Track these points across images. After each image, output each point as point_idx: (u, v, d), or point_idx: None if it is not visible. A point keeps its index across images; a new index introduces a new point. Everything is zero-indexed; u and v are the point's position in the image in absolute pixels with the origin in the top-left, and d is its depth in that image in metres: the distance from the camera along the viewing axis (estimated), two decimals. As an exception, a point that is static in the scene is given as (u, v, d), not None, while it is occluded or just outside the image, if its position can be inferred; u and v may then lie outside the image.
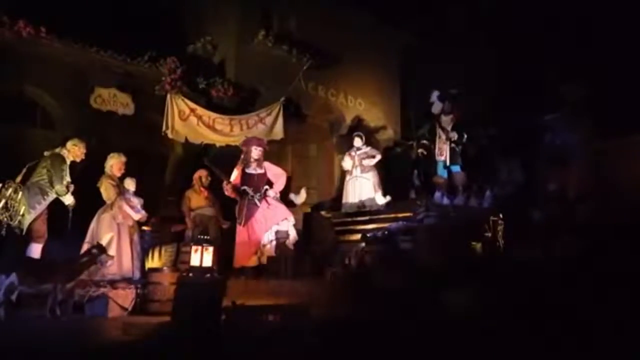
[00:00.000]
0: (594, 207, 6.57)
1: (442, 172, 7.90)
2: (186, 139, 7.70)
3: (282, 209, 6.70)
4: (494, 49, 10.39)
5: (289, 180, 7.87)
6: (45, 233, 5.80)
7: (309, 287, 5.34)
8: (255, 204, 6.60)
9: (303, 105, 9.14)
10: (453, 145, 7.85)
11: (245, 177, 6.79)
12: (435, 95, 8.13)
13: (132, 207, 6.12)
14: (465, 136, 7.79)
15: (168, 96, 7.58)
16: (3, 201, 5.51)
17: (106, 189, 6.11)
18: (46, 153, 5.93)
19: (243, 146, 7.03)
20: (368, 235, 6.13)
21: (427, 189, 7.66)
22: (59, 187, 5.77)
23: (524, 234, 6.17)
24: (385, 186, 8.18)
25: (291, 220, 6.69)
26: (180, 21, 8.97)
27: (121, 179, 6.26)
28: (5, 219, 5.50)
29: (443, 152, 7.95)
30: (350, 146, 8.44)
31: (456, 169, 7.84)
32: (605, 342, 3.00)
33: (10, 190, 5.59)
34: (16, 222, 5.56)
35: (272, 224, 6.51)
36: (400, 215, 6.83)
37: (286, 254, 6.31)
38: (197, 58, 8.64)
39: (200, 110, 7.83)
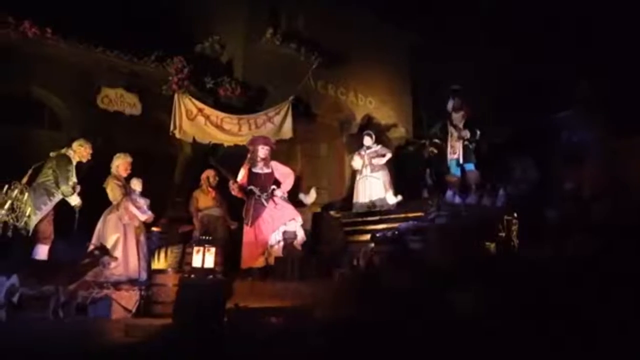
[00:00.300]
0: (609, 206, 6.35)
1: (455, 171, 7.72)
2: (194, 139, 7.64)
3: (289, 209, 6.58)
4: (505, 46, 10.18)
5: (298, 180, 7.77)
6: (52, 234, 5.78)
7: (316, 288, 5.21)
8: (262, 204, 6.50)
9: (312, 104, 9.04)
10: (466, 142, 7.66)
11: (252, 177, 6.69)
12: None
13: (138, 208, 6.05)
14: (479, 132, 7.60)
15: (175, 96, 7.53)
16: (9, 202, 5.48)
17: (112, 190, 6.05)
18: (52, 154, 5.91)
19: (249, 145, 6.94)
20: (377, 235, 5.99)
21: (439, 188, 7.50)
22: (65, 188, 5.74)
23: (539, 233, 5.98)
24: (397, 185, 8.06)
25: (299, 220, 6.57)
26: (187, 21, 8.92)
27: (128, 179, 6.21)
28: (11, 220, 5.47)
29: (456, 150, 7.76)
30: (360, 145, 8.31)
31: (470, 167, 7.65)
32: (620, 345, 2.85)
33: (16, 191, 5.56)
34: (22, 223, 5.53)
35: (279, 224, 6.40)
36: (411, 215, 6.69)
37: (294, 255, 6.20)
38: (204, 57, 8.58)
39: (208, 110, 7.76)
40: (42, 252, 5.68)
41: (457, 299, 3.86)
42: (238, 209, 6.92)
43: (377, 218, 7.20)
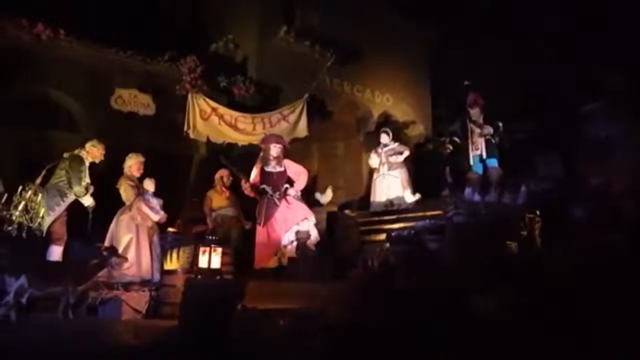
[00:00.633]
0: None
1: (477, 168, 7.50)
2: (208, 139, 7.59)
3: (302, 208, 6.43)
4: (526, 41, 9.88)
5: (314, 179, 7.63)
6: (65, 235, 5.78)
7: (329, 289, 5.06)
8: (275, 203, 6.37)
9: (328, 102, 8.90)
10: (489, 137, 7.44)
11: (265, 176, 6.56)
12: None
13: (151, 208, 6.01)
14: (500, 125, 7.36)
15: (189, 96, 7.48)
16: (23, 203, 5.53)
17: (125, 190, 6.03)
18: (65, 154, 5.93)
19: (261, 144, 6.82)
20: (392, 234, 5.80)
21: (459, 186, 7.28)
22: (78, 189, 5.74)
23: (564, 232, 5.72)
24: (417, 184, 7.86)
25: (312, 219, 6.42)
26: (202, 21, 8.91)
27: (141, 179, 6.18)
28: (25, 221, 5.51)
29: (478, 146, 7.55)
30: (377, 143, 8.14)
31: (493, 162, 7.42)
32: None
33: (30, 192, 5.61)
34: (36, 224, 5.56)
35: (292, 224, 6.25)
36: (429, 213, 6.49)
37: (307, 255, 6.05)
38: (218, 57, 8.54)
39: (221, 109, 7.70)
40: (55, 253, 5.68)
41: (471, 301, 3.69)
42: (252, 209, 6.83)
43: (394, 217, 7.01)
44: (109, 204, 5.96)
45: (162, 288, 5.34)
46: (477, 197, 6.62)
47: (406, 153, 7.95)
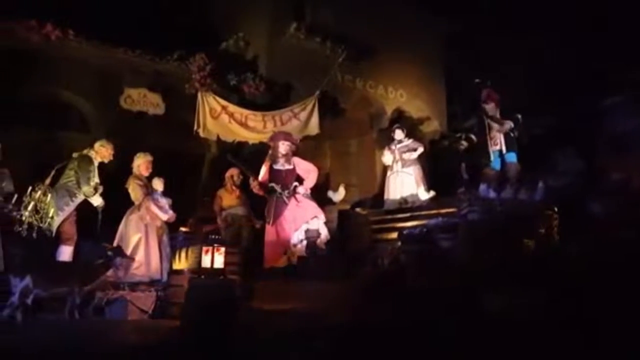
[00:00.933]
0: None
1: (496, 163, 7.31)
2: (218, 137, 7.53)
3: (312, 206, 6.33)
4: (545, 33, 9.60)
5: (327, 177, 7.51)
6: (75, 235, 5.78)
7: (339, 289, 4.95)
8: (284, 202, 6.28)
9: (340, 99, 8.78)
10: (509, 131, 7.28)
11: (273, 174, 6.48)
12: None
13: (160, 208, 5.98)
14: (520, 117, 7.17)
15: (199, 94, 7.44)
16: (32, 203, 5.53)
17: (134, 190, 6.01)
18: (74, 155, 5.93)
19: (270, 142, 6.75)
20: (404, 232, 5.66)
21: (475, 183, 7.10)
22: (87, 189, 5.74)
23: (584, 229, 5.51)
24: (432, 181, 7.70)
25: (322, 218, 6.31)
26: (211, 19, 8.87)
27: (150, 179, 6.15)
28: (35, 222, 5.51)
29: (497, 141, 7.38)
30: (391, 140, 7.99)
31: (512, 157, 7.23)
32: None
33: (39, 192, 5.60)
34: (46, 224, 5.56)
35: (301, 222, 6.15)
36: (443, 211, 6.35)
37: (317, 254, 5.95)
38: (229, 55, 8.48)
39: (232, 108, 7.64)
40: (65, 253, 5.69)
41: (483, 300, 3.56)
42: (262, 208, 6.75)
43: (407, 215, 6.87)
44: (119, 203, 5.95)
45: (169, 288, 5.28)
46: (492, 194, 6.44)
47: (420, 150, 7.78)
